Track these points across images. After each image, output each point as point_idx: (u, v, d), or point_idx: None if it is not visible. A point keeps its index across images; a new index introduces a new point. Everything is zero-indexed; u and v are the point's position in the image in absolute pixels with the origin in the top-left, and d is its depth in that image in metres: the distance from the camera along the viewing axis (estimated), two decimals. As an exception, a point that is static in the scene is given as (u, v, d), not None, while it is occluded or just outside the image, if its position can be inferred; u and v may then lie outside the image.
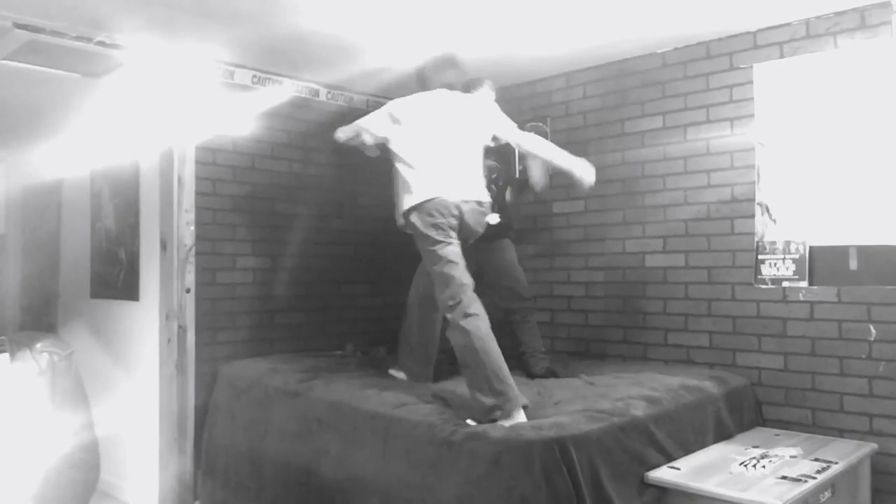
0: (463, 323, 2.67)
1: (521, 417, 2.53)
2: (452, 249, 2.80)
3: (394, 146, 2.96)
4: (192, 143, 3.66)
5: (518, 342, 3.53)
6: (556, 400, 2.84)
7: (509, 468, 2.33)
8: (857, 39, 3.08)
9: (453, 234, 2.82)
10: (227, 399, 3.49)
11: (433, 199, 2.80)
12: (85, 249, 4.47)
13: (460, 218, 2.84)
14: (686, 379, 3.08)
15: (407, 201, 2.87)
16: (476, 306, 2.72)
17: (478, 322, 2.67)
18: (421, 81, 3.12)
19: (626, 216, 3.81)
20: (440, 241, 2.79)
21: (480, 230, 2.97)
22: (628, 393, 2.83)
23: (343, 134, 3.11)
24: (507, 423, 2.49)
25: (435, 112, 2.96)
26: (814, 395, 3.15)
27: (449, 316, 2.74)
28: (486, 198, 2.96)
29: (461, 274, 2.76)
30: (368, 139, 3.03)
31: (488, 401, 2.55)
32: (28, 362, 2.75)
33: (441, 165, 2.87)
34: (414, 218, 2.84)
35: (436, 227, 2.80)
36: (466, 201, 2.86)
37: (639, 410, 2.64)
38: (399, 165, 2.93)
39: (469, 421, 2.57)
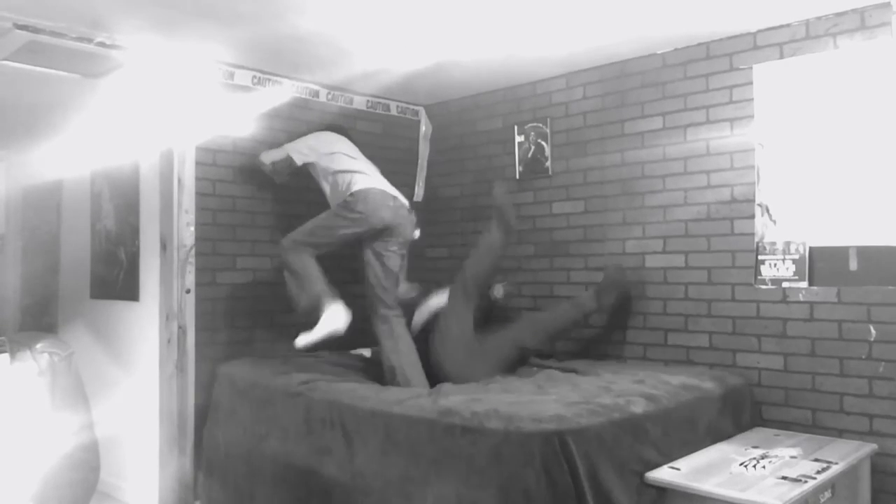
0: (304, 248, 3.44)
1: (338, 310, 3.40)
2: (349, 235, 3.48)
3: (330, 164, 3.65)
4: (192, 143, 3.66)
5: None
6: (556, 393, 2.85)
7: (509, 461, 2.34)
8: (856, 40, 3.08)
9: (362, 230, 3.47)
10: (228, 399, 3.49)
11: (376, 188, 3.52)
12: (85, 249, 4.47)
13: (391, 212, 3.49)
14: (686, 378, 3.08)
15: (357, 186, 3.50)
16: (310, 251, 3.47)
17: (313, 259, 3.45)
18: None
19: (626, 216, 3.81)
20: (349, 227, 3.47)
21: (402, 223, 3.55)
22: (628, 390, 2.84)
23: (267, 157, 3.79)
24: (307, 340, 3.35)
25: (348, 147, 3.80)
26: (814, 396, 3.15)
27: (299, 239, 3.47)
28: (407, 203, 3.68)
29: (324, 247, 3.49)
30: (298, 158, 3.70)
31: (318, 292, 3.38)
32: (28, 362, 2.75)
33: (376, 174, 3.68)
34: (360, 205, 3.44)
35: (361, 220, 3.44)
36: (395, 197, 3.57)
37: (638, 407, 2.64)
38: (341, 176, 3.59)
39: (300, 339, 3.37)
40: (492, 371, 3.48)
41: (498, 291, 4.06)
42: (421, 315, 3.83)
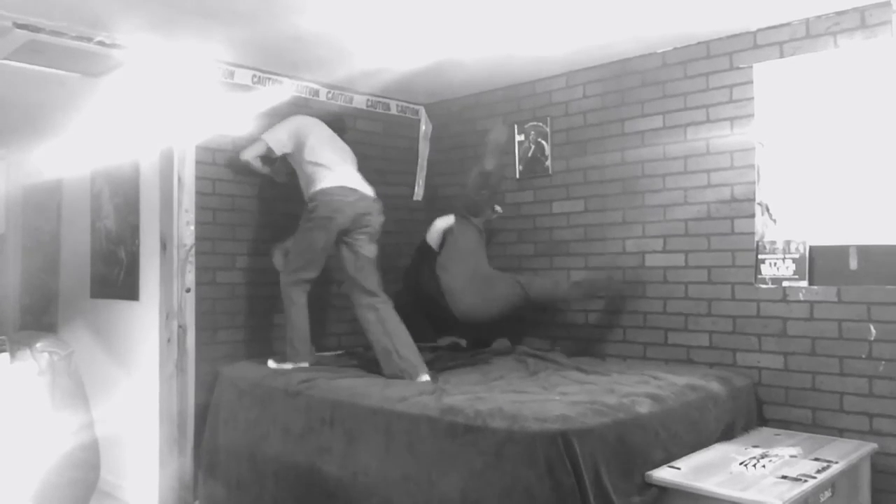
0: (292, 291, 3.56)
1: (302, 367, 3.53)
2: (329, 240, 3.51)
3: (302, 153, 3.63)
4: (192, 142, 3.66)
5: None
6: (560, 392, 2.85)
7: (512, 461, 2.34)
8: (856, 39, 3.08)
9: (333, 233, 3.49)
10: (229, 400, 3.48)
11: (334, 186, 3.51)
12: (85, 249, 4.47)
13: (352, 209, 3.50)
14: (692, 379, 3.07)
15: (317, 186, 3.54)
16: (299, 291, 3.58)
17: (303, 298, 3.59)
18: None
19: (626, 216, 3.81)
20: (323, 234, 3.49)
21: (368, 213, 3.57)
22: (634, 390, 2.83)
23: (248, 154, 3.71)
24: (274, 365, 3.53)
25: (324, 133, 3.77)
26: (814, 395, 3.16)
27: (285, 279, 3.59)
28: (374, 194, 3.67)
29: (312, 264, 3.56)
30: (278, 148, 3.68)
31: (290, 351, 3.55)
32: (28, 362, 2.75)
33: (342, 166, 3.63)
34: (322, 209, 3.48)
35: (329, 222, 3.46)
36: (355, 189, 3.56)
37: (643, 408, 2.64)
38: (308, 167, 3.60)
39: (270, 362, 3.55)
40: (492, 303, 3.80)
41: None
42: (432, 236, 4.10)
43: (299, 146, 3.66)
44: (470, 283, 3.87)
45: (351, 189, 3.56)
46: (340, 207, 3.49)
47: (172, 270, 3.60)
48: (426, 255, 4.09)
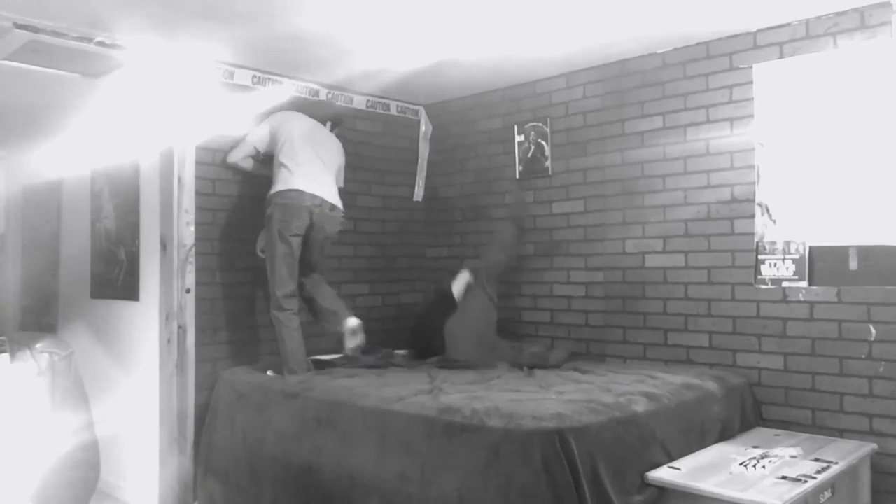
0: (280, 315, 3.47)
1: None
2: (282, 251, 3.45)
3: (274, 150, 3.63)
4: (192, 143, 3.66)
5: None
6: (557, 391, 2.85)
7: (509, 459, 2.35)
8: (856, 40, 3.08)
9: (290, 239, 3.45)
10: (227, 403, 3.48)
11: (291, 189, 3.46)
12: (85, 249, 4.47)
13: (307, 213, 3.48)
14: (688, 378, 3.08)
15: (274, 188, 3.52)
16: (288, 314, 3.48)
17: (293, 321, 3.50)
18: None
19: (626, 216, 3.81)
20: (283, 241, 3.44)
21: (330, 229, 3.62)
22: (630, 389, 2.84)
23: (235, 156, 3.72)
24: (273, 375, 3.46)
25: (304, 129, 3.68)
26: (814, 396, 3.16)
27: (272, 304, 3.50)
28: (340, 205, 3.66)
29: (286, 278, 3.47)
30: (261, 146, 3.69)
31: (286, 369, 3.43)
32: (28, 362, 2.74)
33: (306, 168, 3.54)
34: (277, 213, 3.46)
35: (283, 227, 3.43)
36: (314, 195, 3.50)
37: (640, 406, 2.64)
38: (276, 167, 3.57)
39: (269, 372, 3.50)
40: (487, 364, 3.70)
41: None
42: (458, 287, 4.10)
43: (273, 143, 3.64)
44: (474, 353, 3.79)
45: (310, 195, 3.50)
46: (296, 211, 3.46)
47: (172, 271, 3.60)
48: (443, 306, 4.04)
